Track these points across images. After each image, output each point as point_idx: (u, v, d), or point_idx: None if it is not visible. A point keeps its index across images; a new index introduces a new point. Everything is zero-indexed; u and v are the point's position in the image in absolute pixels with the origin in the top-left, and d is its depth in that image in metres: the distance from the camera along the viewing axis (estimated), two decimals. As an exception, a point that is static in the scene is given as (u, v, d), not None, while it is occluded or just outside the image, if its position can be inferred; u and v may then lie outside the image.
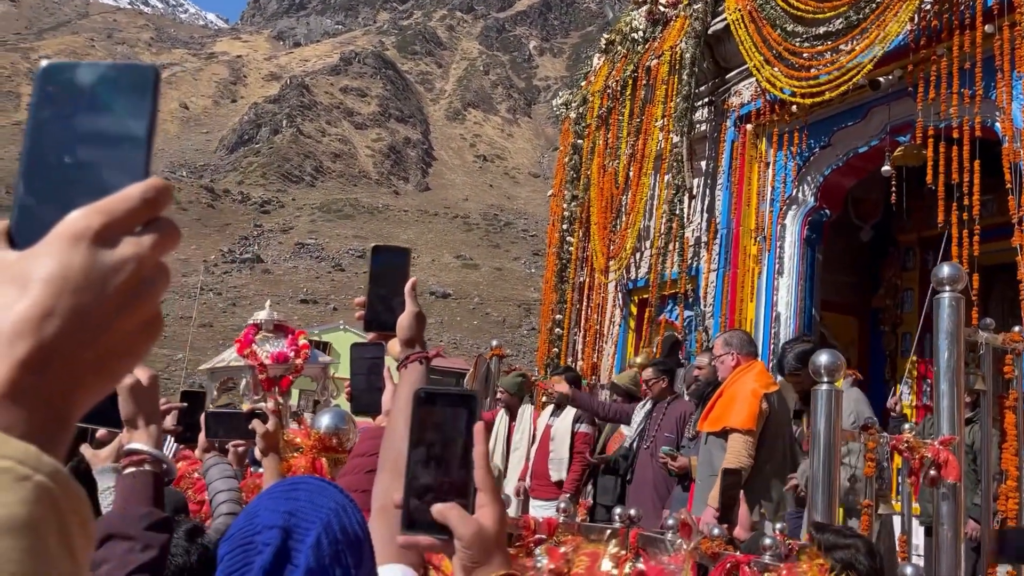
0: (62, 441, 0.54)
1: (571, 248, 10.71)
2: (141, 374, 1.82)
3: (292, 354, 10.45)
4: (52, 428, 0.53)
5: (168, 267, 0.60)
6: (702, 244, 8.72)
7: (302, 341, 10.74)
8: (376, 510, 1.60)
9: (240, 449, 3.27)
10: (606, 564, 1.25)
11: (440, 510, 1.18)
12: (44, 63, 0.61)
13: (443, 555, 1.58)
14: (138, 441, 1.78)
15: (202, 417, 3.29)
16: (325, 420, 2.73)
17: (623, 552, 1.29)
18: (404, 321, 1.85)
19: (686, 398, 6.71)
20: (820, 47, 6.99)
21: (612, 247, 9.69)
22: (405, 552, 1.51)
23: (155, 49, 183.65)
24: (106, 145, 0.59)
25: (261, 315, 11.00)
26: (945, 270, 3.65)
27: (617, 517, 3.66)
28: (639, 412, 6.68)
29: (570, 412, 7.13)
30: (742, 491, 3.64)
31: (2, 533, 0.46)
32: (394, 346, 1.88)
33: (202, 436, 3.21)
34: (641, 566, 1.23)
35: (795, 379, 4.81)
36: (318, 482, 1.32)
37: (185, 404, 3.31)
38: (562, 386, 6.71)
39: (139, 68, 0.61)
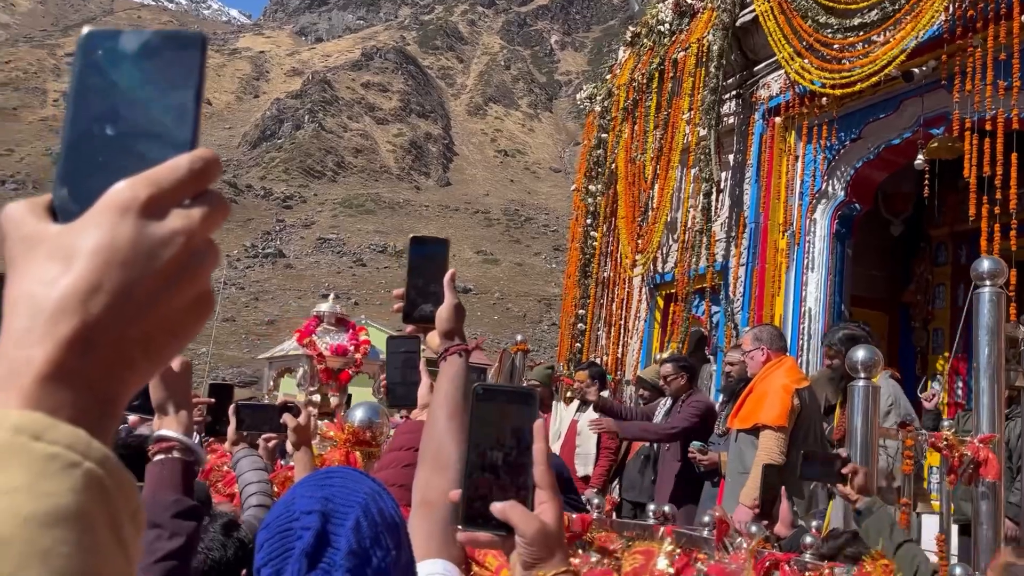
0: (110, 426, 0.51)
1: (595, 243, 10.65)
2: (173, 360, 1.80)
3: (352, 348, 10.45)
4: (99, 412, 0.50)
5: (216, 244, 0.57)
6: (730, 239, 8.63)
7: (363, 337, 10.73)
8: (416, 504, 1.59)
9: (271, 443, 3.26)
10: (662, 562, 1.22)
11: (502, 509, 1.16)
12: (86, 29, 0.58)
13: (486, 551, 1.56)
14: (168, 428, 1.77)
15: (231, 409, 3.28)
16: (359, 414, 2.72)
17: (679, 550, 1.25)
18: (443, 313, 1.81)
19: (720, 396, 6.65)
20: (852, 38, 6.88)
21: (639, 241, 9.62)
22: (446, 547, 1.49)
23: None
24: (152, 115, 0.56)
25: (324, 307, 11.03)
26: (985, 264, 3.57)
27: (651, 514, 3.63)
28: (660, 411, 6.63)
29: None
30: (783, 487, 3.58)
31: (51, 524, 0.44)
32: (433, 339, 1.84)
33: (231, 428, 3.21)
34: (702, 566, 1.20)
35: (837, 358, 4.71)
36: (350, 471, 1.31)
37: (212, 400, 3.30)
38: (592, 394, 6.66)
39: (185, 35, 0.58)
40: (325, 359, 10.27)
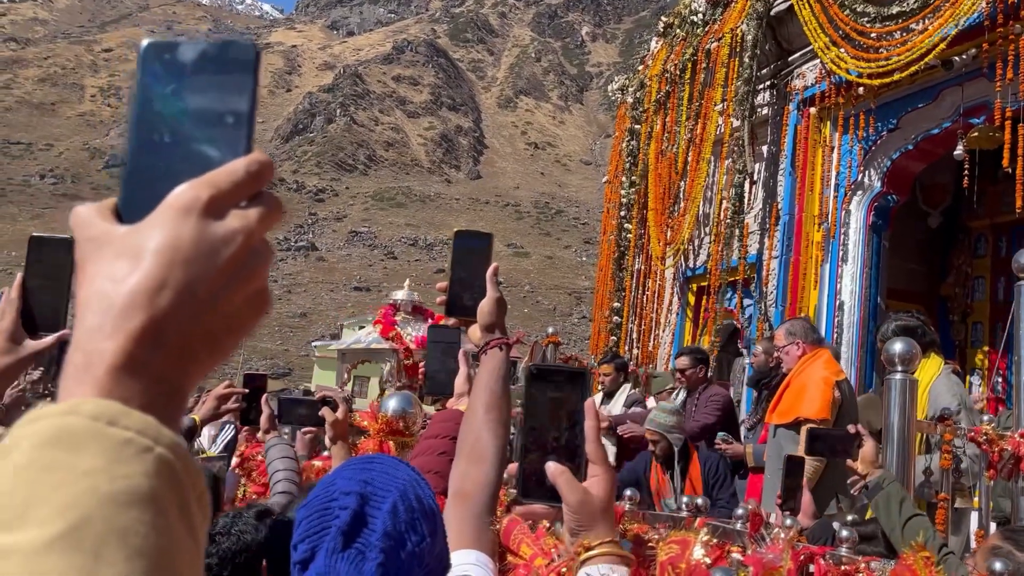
0: (176, 416, 0.53)
1: (628, 235, 10.60)
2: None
3: None
4: (166, 402, 0.53)
5: (270, 244, 0.59)
6: (764, 231, 8.54)
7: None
8: (452, 494, 1.60)
9: (308, 436, 3.30)
10: (698, 552, 1.22)
11: (552, 471, 1.23)
12: (146, 41, 0.61)
13: (520, 540, 1.56)
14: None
15: (263, 399, 3.35)
16: (392, 404, 2.73)
17: (714, 541, 1.26)
18: (485, 307, 1.83)
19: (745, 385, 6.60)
20: (890, 26, 6.76)
21: (669, 234, 9.56)
22: (479, 538, 1.50)
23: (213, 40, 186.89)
24: (209, 120, 0.59)
25: (400, 295, 10.64)
26: (1027, 256, 3.50)
27: (684, 506, 3.61)
28: (675, 402, 6.58)
29: (621, 398, 7.07)
30: (805, 478, 3.55)
31: (128, 505, 0.46)
32: (475, 332, 1.86)
33: (264, 417, 3.27)
34: (738, 556, 1.20)
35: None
36: (392, 458, 1.32)
37: (247, 390, 3.37)
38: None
39: (240, 44, 0.61)
40: (412, 353, 9.69)
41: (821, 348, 5.13)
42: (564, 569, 1.30)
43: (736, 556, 1.18)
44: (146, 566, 0.45)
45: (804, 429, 3.71)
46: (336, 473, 1.25)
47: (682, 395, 6.62)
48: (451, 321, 1.99)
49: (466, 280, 1.88)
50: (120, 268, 0.53)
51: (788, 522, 3.11)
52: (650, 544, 1.34)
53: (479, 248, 1.92)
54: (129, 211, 0.57)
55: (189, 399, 0.56)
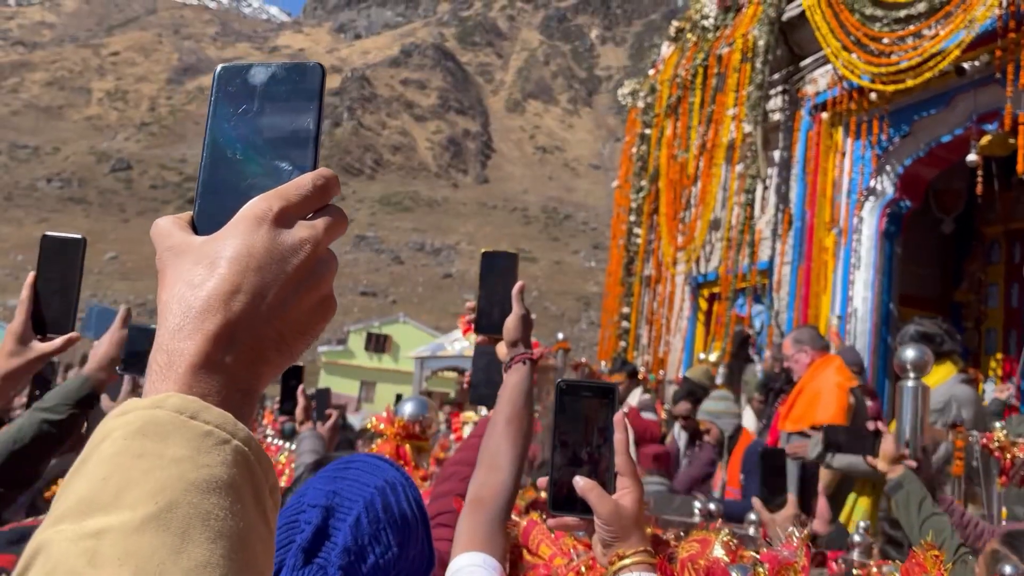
0: (249, 413, 0.57)
1: (638, 240, 10.60)
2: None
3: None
4: (241, 399, 0.57)
5: (335, 253, 0.64)
6: (776, 237, 8.53)
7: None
8: (469, 500, 1.63)
9: (331, 420, 3.40)
10: (718, 550, 1.26)
11: (581, 486, 1.28)
12: (220, 67, 0.65)
13: (540, 541, 1.58)
14: None
15: (299, 390, 3.43)
16: (408, 408, 2.75)
17: (734, 541, 1.30)
18: (510, 323, 1.89)
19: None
20: (901, 32, 6.76)
21: (681, 239, 9.55)
22: (489, 542, 1.53)
23: (219, 43, 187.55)
24: (278, 138, 0.63)
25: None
26: (1040, 262, 3.49)
27: (697, 511, 3.61)
28: (680, 440, 6.70)
29: (631, 401, 7.08)
30: (821, 484, 3.55)
31: (210, 491, 0.50)
32: (501, 348, 1.93)
33: (299, 409, 3.34)
34: (754, 553, 1.23)
35: None
36: (372, 461, 1.32)
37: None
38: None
39: (306, 66, 0.65)
40: None
41: (829, 354, 5.13)
42: (583, 568, 1.33)
43: (753, 554, 1.20)
44: (226, 547, 0.49)
45: (822, 427, 3.70)
46: (311, 482, 1.26)
47: (684, 436, 6.63)
48: (479, 339, 2.05)
49: (494, 298, 1.95)
50: (198, 274, 0.57)
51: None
52: (667, 544, 1.36)
53: (505, 267, 1.99)
54: (203, 223, 0.61)
55: (260, 393, 0.60)
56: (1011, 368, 7.48)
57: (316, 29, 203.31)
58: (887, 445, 2.98)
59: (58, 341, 1.77)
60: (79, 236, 1.85)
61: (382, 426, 2.66)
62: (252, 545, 0.51)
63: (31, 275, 1.78)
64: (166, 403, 0.52)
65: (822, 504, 3.45)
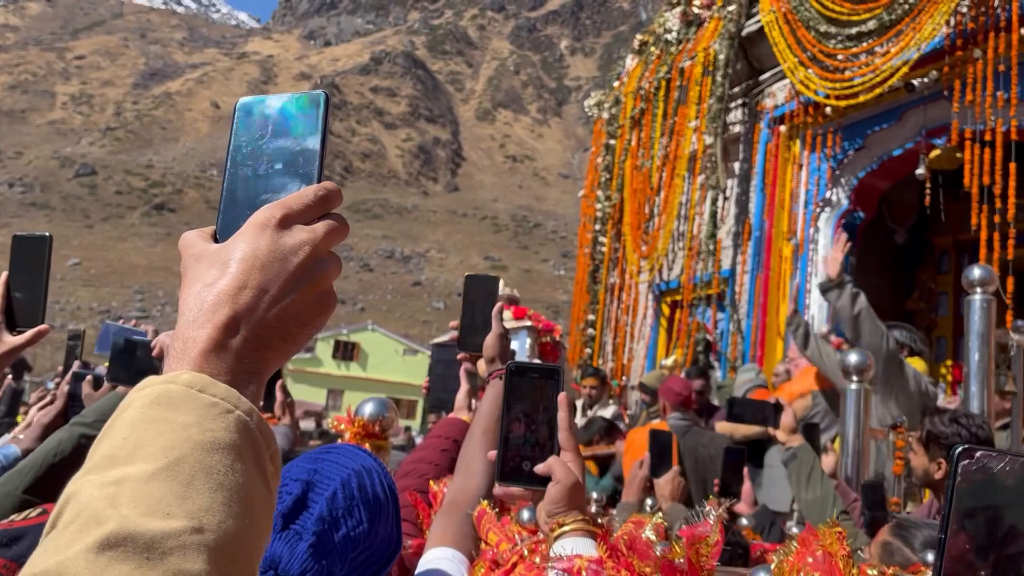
0: (257, 392, 0.67)
1: (603, 249, 10.76)
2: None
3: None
4: (246, 379, 0.66)
5: (338, 256, 0.74)
6: (736, 246, 8.72)
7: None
8: (446, 503, 1.76)
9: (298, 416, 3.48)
10: (648, 531, 1.38)
11: (546, 465, 1.41)
12: (240, 100, 0.77)
13: (489, 528, 1.69)
14: None
15: (278, 385, 3.49)
16: (368, 408, 2.83)
17: (660, 520, 1.43)
18: (489, 340, 2.03)
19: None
20: (854, 48, 6.99)
21: (645, 248, 9.72)
22: (459, 540, 1.64)
23: (187, 49, 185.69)
24: (288, 157, 0.74)
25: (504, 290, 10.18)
26: (976, 272, 3.66)
27: (648, 507, 3.74)
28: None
29: (604, 413, 7.19)
30: (746, 468, 3.74)
31: (213, 450, 0.59)
32: (482, 364, 2.08)
33: (276, 404, 3.40)
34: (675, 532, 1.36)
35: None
36: (350, 448, 1.42)
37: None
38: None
39: (312, 94, 0.76)
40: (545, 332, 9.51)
41: None
42: (526, 552, 1.43)
43: (675, 533, 1.33)
44: (226, 496, 0.58)
45: (726, 399, 3.89)
46: (294, 462, 1.35)
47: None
48: (461, 356, 2.21)
49: (475, 318, 2.11)
50: (212, 274, 0.68)
51: (744, 522, 3.25)
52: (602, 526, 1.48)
53: (487, 289, 2.15)
54: (224, 234, 0.72)
55: (267, 377, 0.70)
56: (960, 374, 7.71)
57: (285, 36, 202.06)
58: (787, 418, 3.19)
59: (28, 334, 1.85)
60: (46, 234, 1.94)
61: (343, 426, 2.74)
62: (250, 499, 0.59)
63: (4, 274, 1.85)
64: (178, 379, 0.62)
65: (747, 488, 3.64)
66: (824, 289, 4.88)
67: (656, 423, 6.14)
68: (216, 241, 0.73)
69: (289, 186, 0.73)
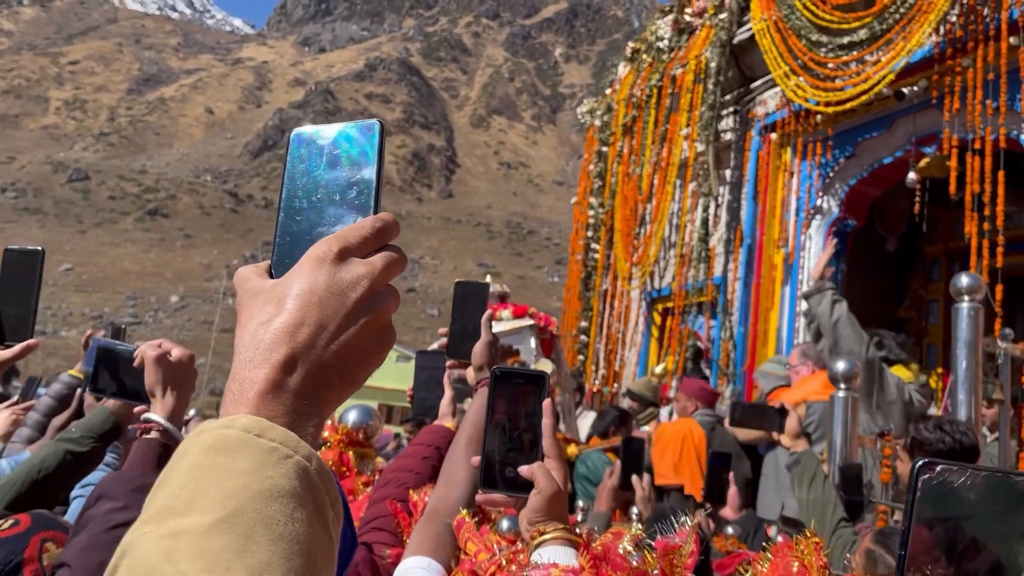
0: (314, 432, 0.64)
1: (596, 256, 10.75)
2: (174, 350, 1.89)
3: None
4: (304, 420, 0.63)
5: (396, 288, 0.71)
6: (728, 253, 8.73)
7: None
8: (427, 512, 1.75)
9: None
10: (626, 542, 1.36)
11: (529, 469, 1.39)
12: (294, 131, 0.75)
13: (468, 538, 1.68)
14: (153, 411, 1.83)
15: None
16: (352, 416, 2.82)
17: (638, 530, 1.41)
18: (477, 348, 2.02)
19: None
20: (845, 57, 7.01)
21: (636, 255, 9.72)
22: (437, 550, 1.62)
23: (182, 54, 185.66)
24: (343, 188, 0.72)
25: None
26: (963, 280, 3.67)
27: (633, 516, 3.73)
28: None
29: (582, 424, 7.18)
30: (731, 473, 3.74)
31: (272, 499, 0.56)
32: (471, 372, 2.06)
33: None
34: (650, 541, 1.34)
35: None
36: None
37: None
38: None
39: (367, 123, 0.73)
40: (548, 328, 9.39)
41: (824, 372, 5.35)
42: (504, 562, 1.41)
43: (649, 542, 1.32)
44: (286, 548, 0.55)
45: (729, 404, 3.89)
46: None
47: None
48: (450, 363, 2.21)
49: (465, 325, 2.09)
50: (268, 312, 0.65)
51: (730, 531, 3.25)
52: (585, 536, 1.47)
53: (476, 296, 2.13)
54: (279, 269, 0.70)
55: (327, 418, 0.67)
56: (948, 380, 7.72)
57: (280, 42, 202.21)
58: (791, 423, 3.18)
59: (16, 348, 1.84)
60: (38, 248, 1.92)
61: (326, 433, 2.73)
62: (311, 548, 0.56)
63: None
64: (236, 423, 0.60)
65: (732, 492, 3.65)
66: (806, 295, 4.88)
67: (678, 420, 6.16)
68: (272, 276, 0.70)
69: (345, 218, 0.70)
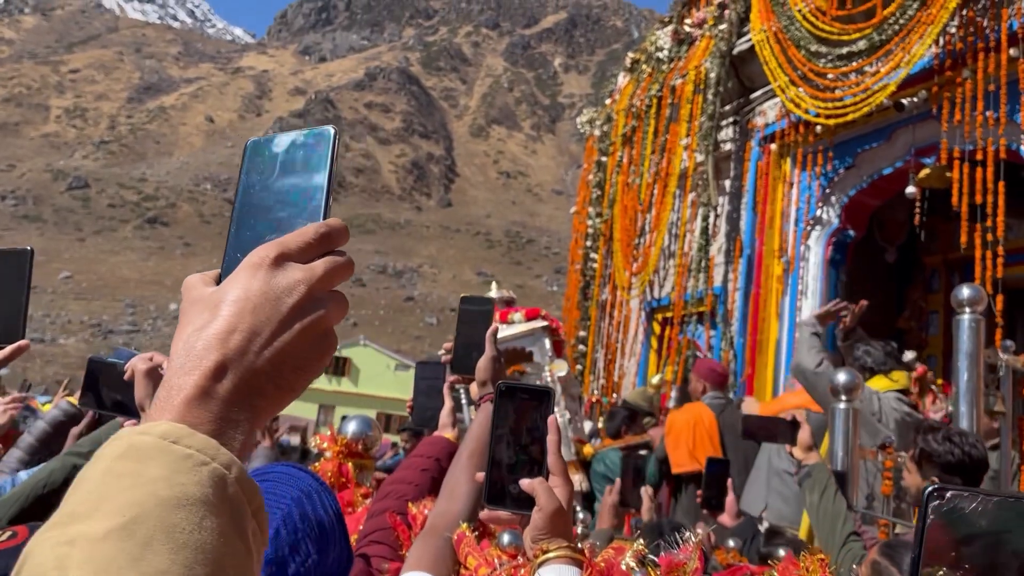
0: (244, 442, 0.63)
1: (594, 265, 10.75)
2: (165, 363, 1.87)
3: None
4: (232, 428, 0.62)
5: (343, 294, 0.69)
6: (727, 263, 8.73)
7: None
8: (427, 527, 1.73)
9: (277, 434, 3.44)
10: (628, 558, 1.35)
11: (530, 483, 1.36)
12: (250, 140, 0.74)
13: (468, 553, 1.66)
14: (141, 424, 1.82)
15: None
16: (352, 426, 2.81)
17: (640, 546, 1.40)
18: (481, 363, 2.00)
19: None
20: (844, 68, 7.02)
21: (635, 265, 9.72)
22: (436, 565, 1.61)
23: (182, 63, 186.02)
24: (295, 195, 0.71)
25: (493, 293, 10.10)
26: (965, 291, 3.66)
27: (637, 527, 3.72)
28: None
29: (587, 426, 7.17)
30: (729, 479, 3.73)
31: (179, 506, 0.54)
32: (475, 387, 2.04)
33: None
34: (653, 557, 1.33)
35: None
36: (287, 471, 1.37)
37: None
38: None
39: (321, 131, 0.73)
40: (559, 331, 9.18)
41: None
42: None
43: (653, 558, 1.30)
44: (188, 557, 0.53)
45: (742, 417, 3.87)
46: None
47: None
48: (452, 378, 2.22)
49: (470, 340, 2.08)
50: (203, 318, 0.64)
51: (732, 544, 3.23)
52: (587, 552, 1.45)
53: (482, 312, 2.12)
54: (226, 276, 0.68)
55: (260, 426, 0.65)
56: (950, 392, 7.71)
57: (281, 51, 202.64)
58: (803, 435, 3.16)
59: (7, 350, 1.83)
60: (27, 248, 1.91)
61: (325, 444, 2.72)
62: (221, 559, 0.54)
63: None
64: (153, 430, 0.58)
65: (730, 499, 3.63)
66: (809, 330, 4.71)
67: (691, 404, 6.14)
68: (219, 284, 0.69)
69: (296, 224, 0.70)
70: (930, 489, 0.73)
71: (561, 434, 1.44)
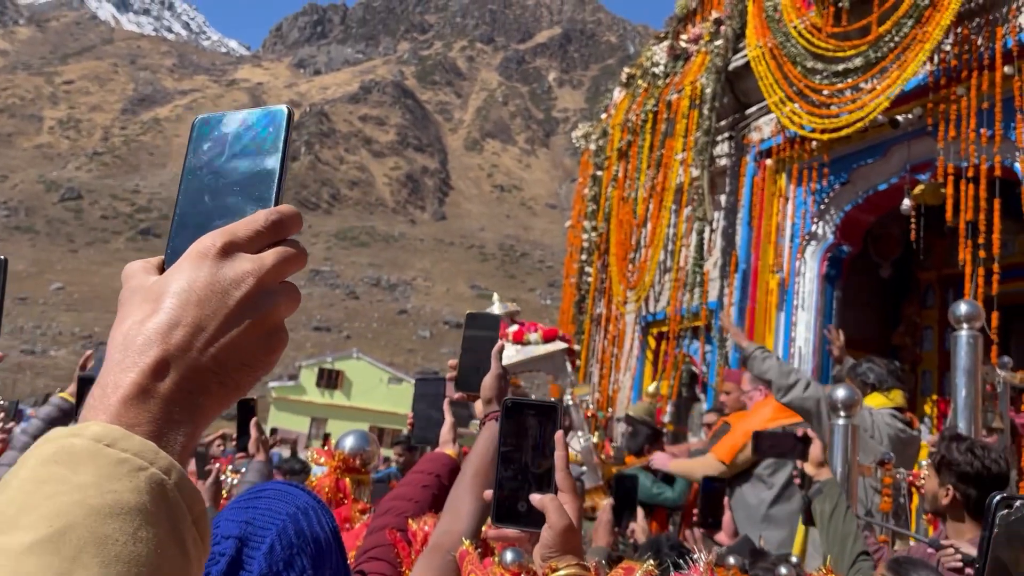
0: (187, 443, 0.58)
1: (589, 279, 10.75)
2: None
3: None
4: (174, 428, 0.57)
5: (295, 286, 0.64)
6: (723, 278, 8.74)
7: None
8: (430, 546, 1.72)
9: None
10: None
11: (540, 500, 1.35)
12: (197, 118, 0.69)
13: (472, 568, 1.65)
14: None
15: (252, 422, 3.44)
16: (349, 441, 2.78)
17: (650, 566, 1.38)
18: (487, 381, 1.98)
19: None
20: (840, 84, 7.05)
21: (631, 279, 9.72)
22: None
23: (177, 75, 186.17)
24: (246, 180, 0.66)
25: (495, 308, 10.06)
26: (963, 307, 3.66)
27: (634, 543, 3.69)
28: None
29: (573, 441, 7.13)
30: (726, 498, 3.71)
31: (111, 516, 0.50)
32: (479, 405, 2.02)
33: (251, 441, 3.35)
34: None
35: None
36: (282, 488, 1.35)
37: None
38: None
39: (274, 110, 0.68)
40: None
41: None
42: None
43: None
44: (121, 571, 0.48)
45: (752, 432, 3.84)
46: (222, 514, 1.28)
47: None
48: (457, 395, 2.16)
49: (474, 358, 2.04)
50: (144, 311, 0.60)
51: (732, 561, 3.20)
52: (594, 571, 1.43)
53: (487, 329, 2.08)
54: (171, 264, 0.63)
55: (204, 427, 0.60)
56: (946, 408, 7.71)
57: (275, 64, 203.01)
58: (815, 451, 3.14)
59: None
60: (1, 256, 1.89)
61: (322, 459, 2.69)
62: (159, 571, 0.50)
63: None
64: (85, 432, 0.53)
65: (727, 518, 3.62)
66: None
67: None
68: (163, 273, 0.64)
69: (245, 211, 0.64)
70: (998, 498, 0.71)
71: (588, 460, 1.43)
